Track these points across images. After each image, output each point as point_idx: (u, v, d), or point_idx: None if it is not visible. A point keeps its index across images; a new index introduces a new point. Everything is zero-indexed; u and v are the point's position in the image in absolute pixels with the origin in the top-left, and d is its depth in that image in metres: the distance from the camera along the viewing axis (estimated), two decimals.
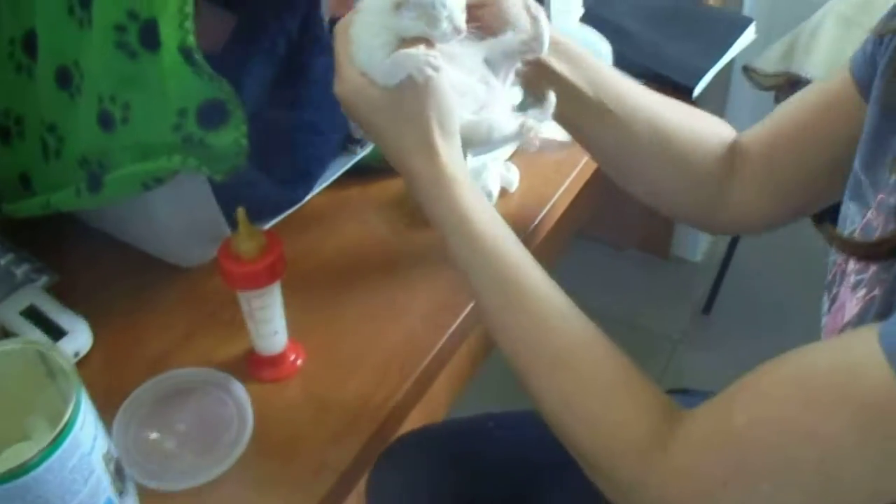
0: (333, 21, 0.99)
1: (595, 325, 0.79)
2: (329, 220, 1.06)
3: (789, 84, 1.81)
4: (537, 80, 0.91)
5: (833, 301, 0.85)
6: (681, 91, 1.32)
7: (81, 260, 1.02)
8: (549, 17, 1.07)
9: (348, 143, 1.04)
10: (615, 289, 2.42)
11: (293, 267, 0.88)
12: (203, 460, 0.83)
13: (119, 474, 0.76)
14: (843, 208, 0.86)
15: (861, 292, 0.77)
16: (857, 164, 0.85)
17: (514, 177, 1.12)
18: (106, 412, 0.84)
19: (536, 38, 0.85)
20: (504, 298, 0.79)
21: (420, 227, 1.05)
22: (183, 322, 0.95)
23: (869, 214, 0.81)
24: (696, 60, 1.36)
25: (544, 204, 1.10)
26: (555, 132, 1.20)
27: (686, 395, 1.21)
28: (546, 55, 0.89)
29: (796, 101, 0.99)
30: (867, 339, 0.62)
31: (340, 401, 0.87)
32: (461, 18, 0.79)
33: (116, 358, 0.93)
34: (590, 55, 0.95)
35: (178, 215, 0.90)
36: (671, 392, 1.23)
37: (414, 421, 1.23)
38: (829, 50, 1.75)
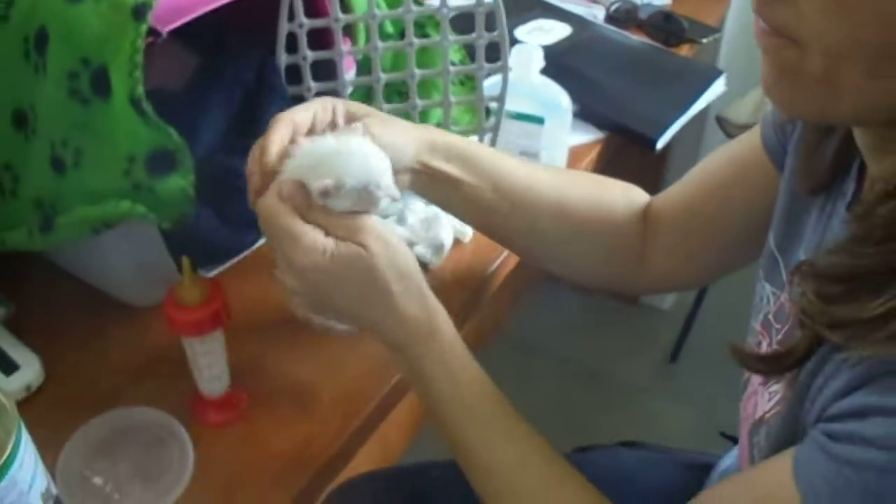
0: (290, 68, 1.02)
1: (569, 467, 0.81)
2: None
3: None
4: (430, 184, 0.91)
5: (746, 384, 0.84)
6: (643, 143, 1.34)
7: (38, 293, 1.03)
8: (508, 68, 1.10)
9: None
10: (581, 334, 2.43)
11: (239, 313, 0.90)
12: (141, 502, 0.84)
13: None
14: (759, 287, 0.85)
15: (774, 387, 0.76)
16: (771, 241, 0.84)
17: (467, 227, 1.12)
18: (52, 448, 0.86)
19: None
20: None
21: None
22: (133, 361, 0.97)
23: (782, 298, 0.80)
24: (661, 112, 1.38)
25: (499, 252, 1.10)
26: None
27: (635, 449, 1.22)
28: (435, 160, 0.89)
29: (709, 168, 0.98)
30: (783, 482, 0.62)
31: (282, 446, 0.88)
32: (394, 186, 0.78)
33: (67, 394, 0.94)
34: (483, 150, 0.94)
35: (127, 258, 0.92)
36: (622, 445, 1.24)
37: (368, 464, 1.24)
38: None
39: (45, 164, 0.85)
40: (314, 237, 0.75)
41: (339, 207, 0.76)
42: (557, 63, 1.40)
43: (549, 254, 1.01)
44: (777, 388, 0.75)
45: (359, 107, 0.87)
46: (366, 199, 0.76)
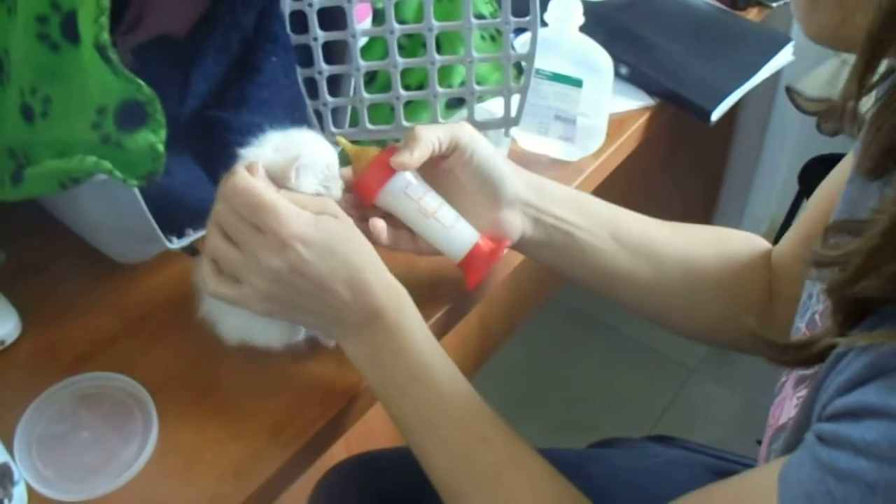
0: (295, 14, 0.93)
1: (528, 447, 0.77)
2: None
3: (831, 112, 1.69)
4: (541, 231, 0.88)
5: (781, 388, 0.75)
6: (697, 114, 1.23)
7: (30, 243, 0.98)
8: (543, 24, 1.01)
9: None
10: None
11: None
12: (98, 473, 0.79)
13: (4, 479, 0.73)
14: (808, 283, 0.77)
15: (804, 391, 0.68)
16: None
17: None
18: (19, 407, 0.83)
19: None
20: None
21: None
22: (112, 323, 0.91)
23: None
24: (719, 81, 1.26)
25: None
26: (548, 148, 1.14)
27: (666, 444, 1.14)
28: (550, 205, 0.87)
29: (820, 197, 0.89)
30: (766, 487, 0.56)
31: (251, 429, 0.83)
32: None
33: (39, 352, 0.89)
34: (594, 198, 0.91)
35: (106, 214, 0.86)
36: (652, 439, 1.15)
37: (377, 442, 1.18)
38: None
39: (16, 111, 0.79)
40: (297, 209, 0.75)
41: (306, 189, 0.78)
42: (609, 19, 1.30)
43: (672, 308, 0.95)
44: (805, 393, 0.67)
45: (470, 132, 0.85)
46: (329, 177, 0.79)
